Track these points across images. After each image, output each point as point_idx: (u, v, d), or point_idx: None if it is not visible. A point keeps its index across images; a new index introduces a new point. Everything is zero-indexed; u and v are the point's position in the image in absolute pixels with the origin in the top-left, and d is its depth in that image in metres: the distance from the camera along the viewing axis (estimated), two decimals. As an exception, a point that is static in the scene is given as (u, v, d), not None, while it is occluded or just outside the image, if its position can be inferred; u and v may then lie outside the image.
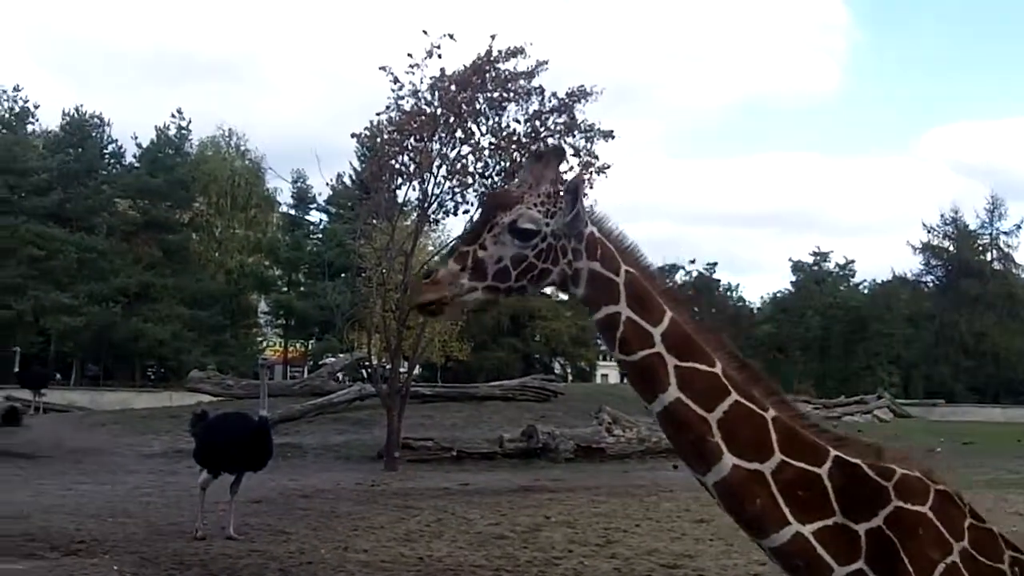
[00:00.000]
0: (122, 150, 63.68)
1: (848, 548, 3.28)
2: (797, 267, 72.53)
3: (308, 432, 26.11)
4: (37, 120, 63.35)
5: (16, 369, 36.70)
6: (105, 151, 63.11)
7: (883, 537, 3.27)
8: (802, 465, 3.30)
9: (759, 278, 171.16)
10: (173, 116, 63.85)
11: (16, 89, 62.36)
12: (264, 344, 69.54)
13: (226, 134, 67.79)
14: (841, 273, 72.82)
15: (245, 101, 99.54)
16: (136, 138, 63.12)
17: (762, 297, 79.83)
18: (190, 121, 64.37)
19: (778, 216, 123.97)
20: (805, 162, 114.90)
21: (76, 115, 61.88)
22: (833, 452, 3.34)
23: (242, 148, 67.83)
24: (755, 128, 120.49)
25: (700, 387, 3.30)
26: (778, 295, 74.82)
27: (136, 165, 62.33)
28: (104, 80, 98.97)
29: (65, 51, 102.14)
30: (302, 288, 64.78)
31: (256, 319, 68.11)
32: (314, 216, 68.81)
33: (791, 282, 73.09)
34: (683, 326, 3.38)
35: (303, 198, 66.71)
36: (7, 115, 61.56)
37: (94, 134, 62.21)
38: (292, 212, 68.43)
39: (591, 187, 24.64)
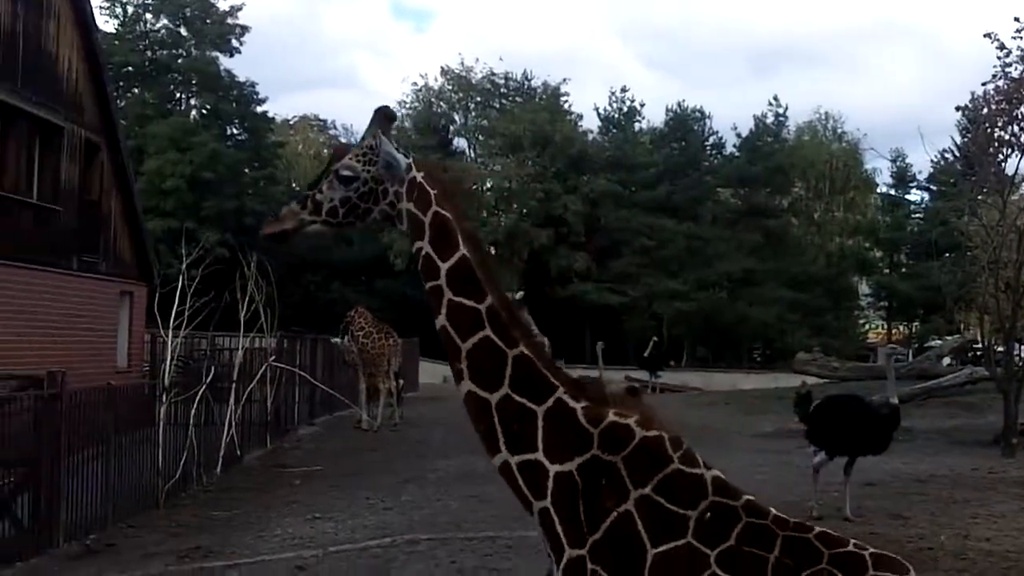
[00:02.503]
0: (722, 141, 66.09)
1: (541, 485, 3.55)
2: None
3: (917, 415, 25.46)
4: (644, 118, 67.40)
5: (645, 354, 39.55)
6: (706, 143, 65.74)
7: (571, 482, 3.51)
8: (523, 401, 3.61)
9: None
10: (770, 104, 65.12)
11: (623, 90, 67.09)
12: (866, 326, 68.75)
13: (823, 118, 67.79)
14: None
15: (841, 84, 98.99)
16: (735, 128, 65.33)
17: None
18: (786, 108, 65.20)
19: None
20: None
21: (679, 110, 65.11)
22: (558, 394, 3.61)
23: (839, 131, 67.47)
24: None
25: (461, 319, 3.67)
26: None
27: (736, 154, 64.35)
28: (704, 76, 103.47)
29: (668, 52, 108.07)
30: (904, 269, 63.22)
31: (857, 301, 67.48)
32: (914, 195, 66.83)
33: None
34: (470, 264, 3.70)
35: (903, 177, 64.93)
36: (617, 115, 66.33)
37: (696, 127, 64.98)
38: (892, 192, 66.97)
39: None
